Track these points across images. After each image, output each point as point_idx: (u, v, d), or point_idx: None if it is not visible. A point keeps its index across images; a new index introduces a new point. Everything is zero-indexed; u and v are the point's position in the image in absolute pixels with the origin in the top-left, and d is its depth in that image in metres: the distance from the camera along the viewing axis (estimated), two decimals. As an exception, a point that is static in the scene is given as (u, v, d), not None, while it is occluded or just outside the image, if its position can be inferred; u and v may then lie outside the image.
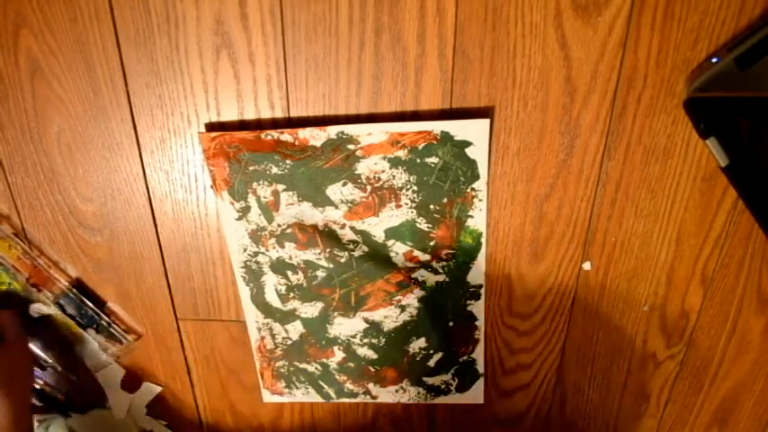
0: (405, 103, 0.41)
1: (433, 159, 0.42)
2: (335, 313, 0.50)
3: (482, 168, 0.42)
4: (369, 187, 0.43)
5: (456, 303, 0.48)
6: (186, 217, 0.48)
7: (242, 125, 0.43)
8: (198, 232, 0.49)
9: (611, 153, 0.41)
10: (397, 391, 0.54)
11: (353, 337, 0.51)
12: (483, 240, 0.45)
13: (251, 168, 0.43)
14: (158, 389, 0.58)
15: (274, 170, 0.43)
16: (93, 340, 0.54)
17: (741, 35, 0.36)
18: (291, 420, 0.59)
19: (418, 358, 0.51)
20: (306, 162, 0.43)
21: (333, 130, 0.41)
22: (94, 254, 0.51)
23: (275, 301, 0.50)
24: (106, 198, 0.48)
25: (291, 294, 0.49)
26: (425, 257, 0.46)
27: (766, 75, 0.34)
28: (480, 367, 0.52)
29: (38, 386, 0.57)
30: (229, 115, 0.43)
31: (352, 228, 0.45)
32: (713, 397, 0.52)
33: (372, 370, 0.53)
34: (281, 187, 0.44)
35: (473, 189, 0.43)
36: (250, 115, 0.43)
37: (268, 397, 0.56)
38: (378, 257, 0.46)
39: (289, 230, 0.46)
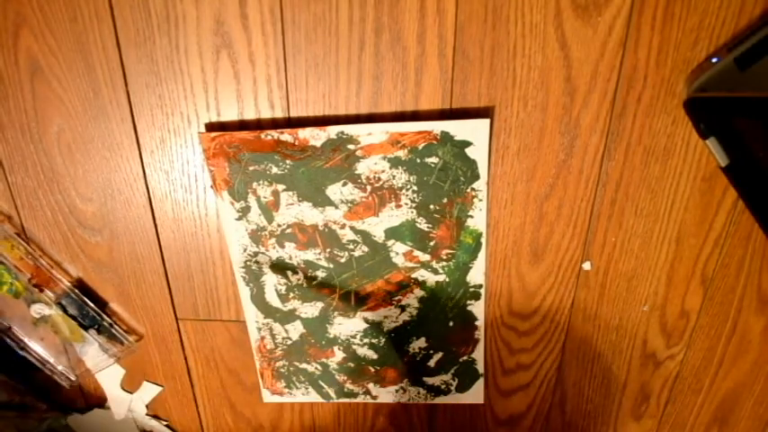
0: (405, 103, 0.41)
1: (433, 159, 0.42)
2: (335, 313, 0.50)
3: (482, 168, 0.42)
4: (369, 187, 0.43)
5: (456, 303, 0.48)
6: (186, 217, 0.48)
7: (242, 125, 0.43)
8: (198, 232, 0.49)
9: (611, 153, 0.41)
10: (397, 391, 0.54)
11: (353, 337, 0.51)
12: (483, 240, 0.45)
13: (251, 168, 0.43)
14: (158, 389, 0.58)
15: (274, 170, 0.43)
16: (93, 341, 0.54)
17: (741, 35, 0.36)
18: (291, 420, 0.59)
19: (418, 358, 0.51)
20: (306, 162, 0.43)
21: (333, 130, 0.41)
22: (94, 254, 0.51)
23: (275, 301, 0.50)
24: (106, 198, 0.48)
25: (291, 294, 0.49)
26: (425, 257, 0.46)
27: (766, 75, 0.34)
28: (480, 367, 0.52)
29: (38, 385, 0.57)
30: (229, 115, 0.43)
31: (352, 228, 0.45)
32: (713, 397, 0.52)
33: (372, 370, 0.53)
34: (281, 187, 0.44)
35: (473, 189, 0.43)
36: (250, 115, 0.43)
37: (268, 397, 0.56)
38: (378, 257, 0.46)
39: (289, 230, 0.46)
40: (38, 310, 0.52)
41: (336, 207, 0.44)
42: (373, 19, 0.38)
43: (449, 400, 0.54)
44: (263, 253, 0.48)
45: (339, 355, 0.52)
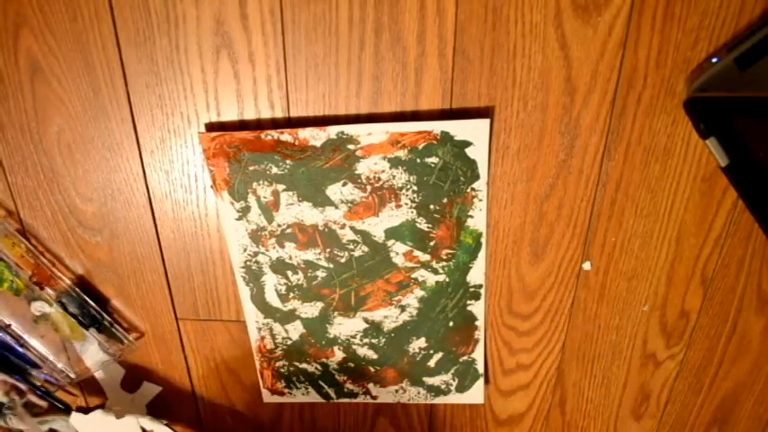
0: (405, 103, 0.41)
1: (433, 159, 0.42)
2: (335, 313, 0.50)
3: (482, 168, 0.42)
4: (369, 187, 0.43)
5: (456, 303, 0.48)
6: (186, 217, 0.48)
7: (242, 125, 0.43)
8: (198, 232, 0.49)
9: (611, 153, 0.41)
10: (397, 391, 0.54)
11: (353, 337, 0.51)
12: (483, 240, 0.45)
13: (251, 168, 0.43)
14: (158, 389, 0.58)
15: (274, 170, 0.43)
16: (93, 339, 0.54)
17: (741, 35, 0.36)
18: (291, 420, 0.59)
19: (418, 358, 0.51)
20: (306, 162, 0.43)
21: (333, 130, 0.41)
22: (94, 254, 0.51)
23: (275, 301, 0.50)
24: (106, 198, 0.48)
25: (291, 294, 0.49)
26: (425, 257, 0.46)
27: (766, 75, 0.34)
28: (480, 367, 0.52)
29: (38, 384, 0.57)
30: (229, 115, 0.43)
31: (352, 228, 0.45)
32: (713, 397, 0.52)
33: (372, 370, 0.53)
34: (281, 187, 0.44)
35: (473, 189, 0.43)
36: (250, 115, 0.43)
37: (268, 397, 0.56)
38: (378, 257, 0.46)
39: (289, 230, 0.46)
40: (38, 307, 0.52)
41: (336, 207, 0.44)
42: (373, 19, 0.38)
43: (449, 400, 0.54)
44: (263, 253, 0.48)
45: (339, 355, 0.52)
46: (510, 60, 0.39)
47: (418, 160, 0.42)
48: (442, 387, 0.53)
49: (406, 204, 0.44)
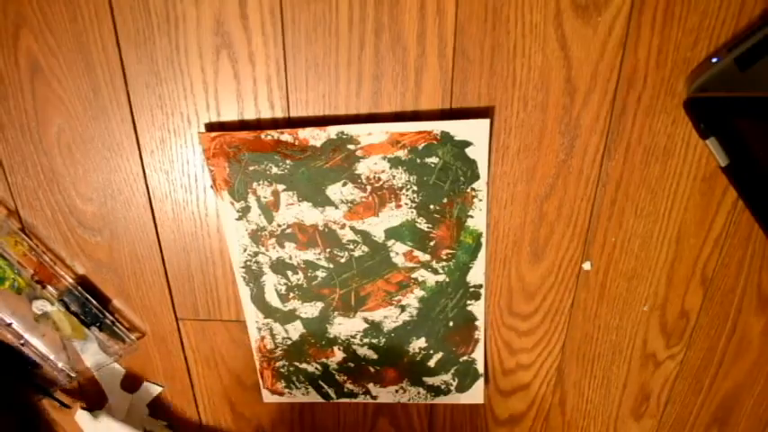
0: (405, 103, 0.41)
1: (433, 159, 0.42)
2: (335, 313, 0.50)
3: (482, 168, 0.42)
4: (369, 187, 0.43)
5: (456, 303, 0.48)
6: (186, 217, 0.48)
7: (242, 125, 0.43)
8: (198, 232, 0.49)
9: (611, 153, 0.41)
10: (397, 391, 0.54)
11: (353, 337, 0.51)
12: (483, 240, 0.45)
13: (251, 168, 0.43)
14: (158, 389, 0.58)
15: (274, 170, 0.43)
16: (94, 339, 0.54)
17: (741, 35, 0.36)
18: (291, 420, 0.59)
19: (418, 358, 0.51)
20: (306, 162, 0.43)
21: (333, 130, 0.41)
22: (94, 254, 0.51)
23: (275, 301, 0.50)
24: (106, 198, 0.48)
25: (291, 294, 0.49)
26: (425, 257, 0.46)
27: (766, 75, 0.34)
28: (480, 367, 0.52)
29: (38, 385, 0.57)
30: (229, 115, 0.43)
31: (352, 228, 0.45)
32: (713, 397, 0.52)
33: (372, 370, 0.53)
34: (281, 187, 0.44)
35: (473, 189, 0.43)
36: (250, 115, 0.43)
37: (268, 397, 0.56)
38: (378, 257, 0.46)
39: (289, 230, 0.46)
40: (40, 306, 0.52)
41: (336, 207, 0.44)
42: (373, 19, 0.38)
43: (449, 400, 0.54)
44: (263, 253, 0.48)
45: (339, 355, 0.52)
46: (510, 60, 0.39)
47: (418, 160, 0.42)
48: (442, 387, 0.53)
49: (406, 204, 0.44)
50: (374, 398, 0.55)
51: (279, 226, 0.46)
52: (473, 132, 0.40)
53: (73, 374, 0.56)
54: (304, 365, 0.54)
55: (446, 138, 0.41)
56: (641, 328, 0.49)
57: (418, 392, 0.54)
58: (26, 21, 0.41)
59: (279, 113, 0.43)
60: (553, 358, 0.51)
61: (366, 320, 0.50)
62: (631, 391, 0.52)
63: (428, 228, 0.45)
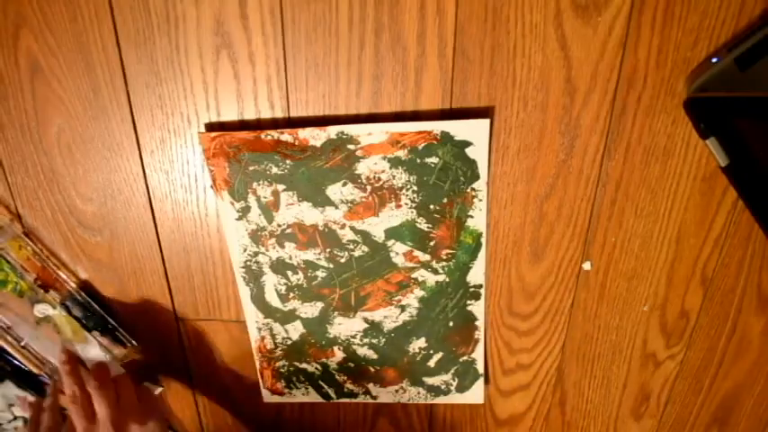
0: (405, 103, 0.41)
1: (433, 159, 0.42)
2: (335, 313, 0.50)
3: (482, 168, 0.42)
4: (369, 187, 0.43)
5: (456, 303, 0.48)
6: (186, 217, 0.48)
7: (242, 125, 0.43)
8: (198, 232, 0.49)
9: (611, 153, 0.41)
10: (397, 391, 0.54)
11: (353, 337, 0.51)
12: (483, 240, 0.45)
13: (251, 168, 0.43)
14: (159, 389, 0.58)
15: (274, 170, 0.43)
16: (94, 342, 0.54)
17: (741, 35, 0.36)
18: (291, 420, 0.59)
19: (418, 358, 0.51)
20: (306, 162, 0.43)
21: (333, 130, 0.41)
22: (94, 254, 0.51)
23: (275, 301, 0.50)
24: (106, 198, 0.48)
25: (291, 294, 0.49)
26: (425, 257, 0.46)
27: (766, 75, 0.34)
28: (480, 367, 0.52)
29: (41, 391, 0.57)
30: (229, 115, 0.43)
31: (352, 228, 0.45)
32: (713, 397, 0.52)
33: (372, 370, 0.53)
34: (281, 187, 0.44)
35: (473, 189, 0.43)
36: (250, 115, 0.43)
37: (268, 397, 0.56)
38: (378, 257, 0.46)
39: (289, 230, 0.46)
40: (41, 310, 0.52)
41: (336, 207, 0.44)
42: (373, 19, 0.38)
43: (449, 400, 0.54)
44: (263, 253, 0.48)
45: (339, 355, 0.52)
46: (510, 60, 0.39)
47: (418, 160, 0.42)
48: (442, 387, 0.53)
49: (406, 204, 0.44)
50: (374, 398, 0.55)
51: (279, 226, 0.46)
52: (473, 132, 0.40)
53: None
54: (304, 365, 0.54)
55: (446, 138, 0.41)
56: (641, 328, 0.49)
57: (418, 392, 0.54)
58: (26, 21, 0.41)
59: (279, 113, 0.43)
60: (553, 358, 0.51)
61: (366, 320, 0.50)
62: (631, 391, 0.52)
63: (428, 228, 0.45)
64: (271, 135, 0.42)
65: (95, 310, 0.52)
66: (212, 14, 0.40)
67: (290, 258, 0.47)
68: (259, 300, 0.50)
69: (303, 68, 0.41)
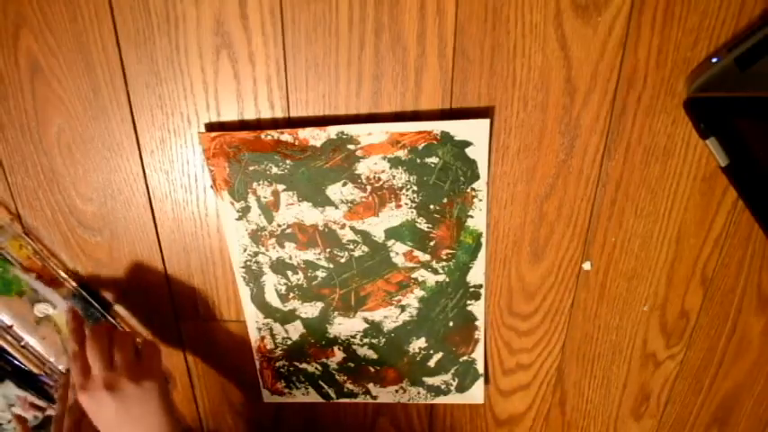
0: (405, 103, 0.41)
1: (433, 159, 0.42)
2: (335, 313, 0.50)
3: (482, 168, 0.42)
4: (369, 187, 0.43)
5: (456, 303, 0.48)
6: (186, 217, 0.48)
7: (242, 125, 0.43)
8: (198, 232, 0.49)
9: (611, 153, 0.41)
10: (397, 391, 0.54)
11: (353, 337, 0.51)
12: (483, 240, 0.45)
13: (251, 168, 0.43)
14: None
15: (274, 170, 0.43)
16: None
17: (741, 35, 0.36)
18: (291, 420, 0.59)
19: (418, 358, 0.51)
20: (306, 162, 0.43)
21: (333, 130, 0.41)
22: (94, 254, 0.51)
23: (275, 301, 0.50)
24: (106, 198, 0.48)
25: (291, 294, 0.49)
26: (425, 257, 0.46)
27: (766, 75, 0.34)
28: (480, 367, 0.52)
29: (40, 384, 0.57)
30: (229, 115, 0.43)
31: (352, 228, 0.45)
32: (713, 397, 0.52)
33: (372, 370, 0.53)
34: (281, 187, 0.44)
35: (473, 189, 0.43)
36: (250, 115, 0.43)
37: (268, 397, 0.56)
38: (378, 257, 0.46)
39: (289, 230, 0.46)
40: (42, 309, 0.52)
41: (336, 207, 0.44)
42: (373, 19, 0.38)
43: (449, 400, 0.54)
44: (263, 253, 0.48)
45: (339, 355, 0.52)
46: (510, 60, 0.39)
47: (418, 160, 0.42)
48: (442, 387, 0.53)
49: (406, 204, 0.44)
50: (374, 398, 0.55)
51: (279, 226, 0.46)
52: (473, 132, 0.40)
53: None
54: (304, 365, 0.54)
55: (446, 138, 0.41)
56: (641, 328, 0.49)
57: (418, 392, 0.54)
58: (26, 21, 0.41)
59: (279, 113, 0.43)
60: (553, 358, 0.51)
61: (366, 320, 0.50)
62: (631, 391, 0.52)
63: (428, 228, 0.45)
64: (271, 135, 0.42)
65: (96, 309, 0.52)
66: (212, 14, 0.40)
67: (290, 258, 0.47)
68: (259, 300, 0.50)
69: (303, 68, 0.41)
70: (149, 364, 0.45)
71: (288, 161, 0.43)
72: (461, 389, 0.53)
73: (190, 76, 0.42)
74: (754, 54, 0.34)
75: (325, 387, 0.55)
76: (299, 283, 0.49)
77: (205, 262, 0.50)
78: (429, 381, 0.53)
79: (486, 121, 0.40)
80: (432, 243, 0.45)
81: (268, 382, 0.55)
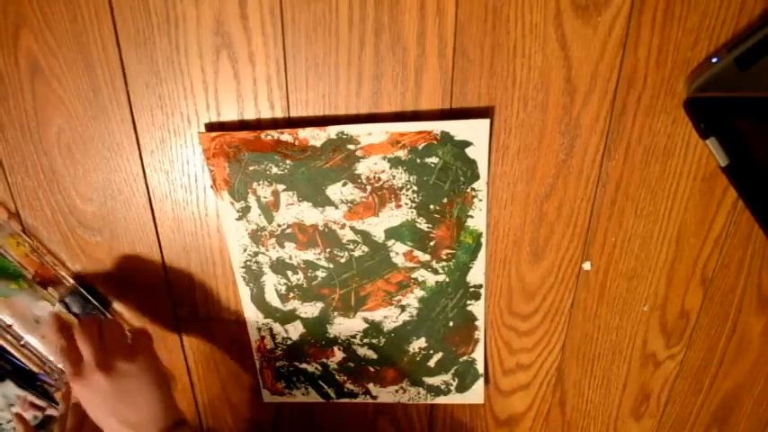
0: (405, 103, 0.41)
1: (433, 159, 0.42)
2: (335, 313, 0.50)
3: (482, 168, 0.42)
4: (369, 187, 0.43)
5: (456, 303, 0.48)
6: (186, 217, 0.48)
7: (242, 125, 0.43)
8: (198, 232, 0.49)
9: (611, 153, 0.41)
10: (397, 391, 0.54)
11: (353, 337, 0.51)
12: (483, 240, 0.45)
13: (251, 168, 0.43)
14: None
15: (274, 170, 0.43)
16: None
17: (741, 35, 0.36)
18: (291, 420, 0.59)
19: (418, 358, 0.51)
20: (306, 162, 0.43)
21: (333, 130, 0.41)
22: (94, 254, 0.51)
23: (275, 301, 0.50)
24: (106, 198, 0.48)
25: (291, 294, 0.49)
26: (425, 257, 0.46)
27: (766, 75, 0.34)
28: (480, 367, 0.52)
29: (39, 383, 0.57)
30: (229, 115, 0.43)
31: (352, 228, 0.45)
32: (713, 397, 0.52)
33: (372, 370, 0.53)
34: (281, 187, 0.44)
35: (473, 189, 0.43)
36: (250, 115, 0.43)
37: (268, 397, 0.56)
38: (378, 257, 0.46)
39: (289, 230, 0.46)
40: (41, 308, 0.52)
41: (336, 207, 0.44)
42: (373, 19, 0.38)
43: (449, 400, 0.54)
44: (263, 253, 0.48)
45: (339, 355, 0.52)
46: (510, 60, 0.39)
47: (418, 160, 0.42)
48: (442, 387, 0.53)
49: (406, 204, 0.44)
50: (374, 398, 0.55)
51: (279, 226, 0.46)
52: (473, 132, 0.40)
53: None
54: (304, 365, 0.54)
55: (446, 138, 0.41)
56: (641, 328, 0.49)
57: (418, 392, 0.54)
58: (26, 21, 0.41)
59: (279, 113, 0.43)
60: (553, 358, 0.51)
61: (366, 320, 0.50)
62: (631, 391, 0.52)
63: (428, 228, 0.45)
64: (271, 135, 0.42)
65: (95, 306, 0.52)
66: (212, 14, 0.40)
67: (290, 258, 0.47)
68: (259, 300, 0.50)
69: (303, 68, 0.41)
70: (141, 344, 0.44)
71: (288, 161, 0.43)
72: (461, 389, 0.53)
73: (190, 76, 0.42)
74: (754, 54, 0.34)
75: (325, 387, 0.55)
76: (299, 283, 0.49)
77: (205, 262, 0.50)
78: (429, 381, 0.53)
79: (486, 121, 0.40)
80: (432, 243, 0.45)
81: (268, 381, 0.55)
